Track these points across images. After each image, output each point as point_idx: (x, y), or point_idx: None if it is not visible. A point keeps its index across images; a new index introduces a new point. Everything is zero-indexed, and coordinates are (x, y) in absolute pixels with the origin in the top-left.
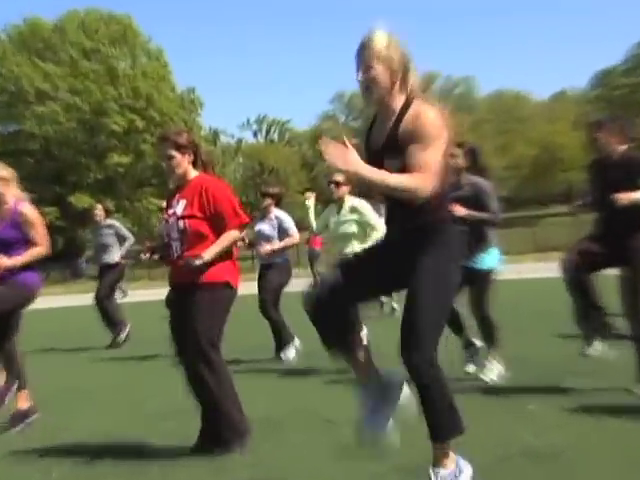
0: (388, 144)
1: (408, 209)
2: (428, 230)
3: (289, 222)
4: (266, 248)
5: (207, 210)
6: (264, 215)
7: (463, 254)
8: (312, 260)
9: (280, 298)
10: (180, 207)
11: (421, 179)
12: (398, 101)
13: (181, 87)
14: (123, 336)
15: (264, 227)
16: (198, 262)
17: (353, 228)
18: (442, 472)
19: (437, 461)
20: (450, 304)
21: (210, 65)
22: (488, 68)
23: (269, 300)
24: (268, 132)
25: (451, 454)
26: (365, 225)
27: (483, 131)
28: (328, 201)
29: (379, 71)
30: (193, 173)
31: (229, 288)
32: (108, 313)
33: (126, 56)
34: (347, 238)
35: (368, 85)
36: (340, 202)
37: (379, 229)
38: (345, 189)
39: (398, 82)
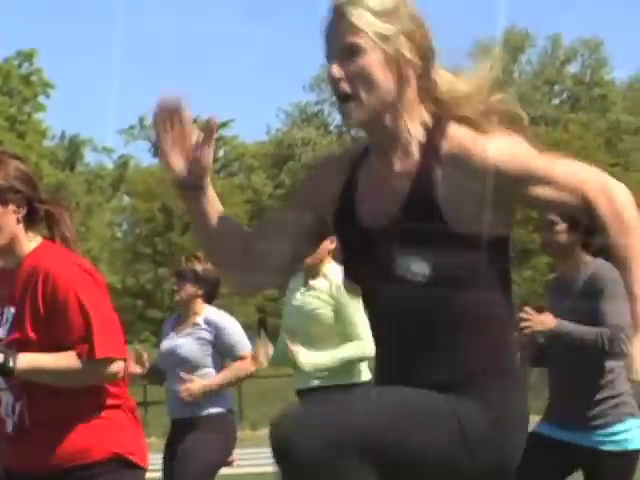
0: (409, 216)
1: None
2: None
3: (234, 329)
4: (189, 385)
5: (43, 327)
6: (183, 319)
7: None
8: None
9: None
10: (4, 323)
11: None
12: (415, 121)
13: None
14: None
15: (182, 342)
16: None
17: (324, 318)
18: None
19: None
20: None
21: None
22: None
23: None
24: None
25: None
26: (344, 323)
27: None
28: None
29: (373, 60)
30: (29, 243)
31: (115, 470)
32: None
33: None
34: (311, 336)
35: (352, 88)
36: (311, 270)
37: (363, 341)
38: (326, 247)
39: (414, 83)
